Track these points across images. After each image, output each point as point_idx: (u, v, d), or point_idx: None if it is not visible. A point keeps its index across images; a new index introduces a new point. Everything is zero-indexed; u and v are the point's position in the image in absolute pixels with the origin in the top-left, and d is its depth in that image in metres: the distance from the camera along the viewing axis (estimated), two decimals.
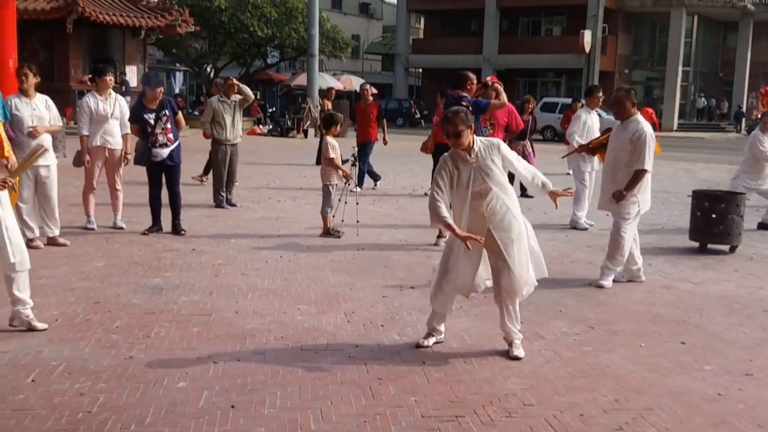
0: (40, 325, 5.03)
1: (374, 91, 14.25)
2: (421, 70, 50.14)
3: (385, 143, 13.27)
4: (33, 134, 7.35)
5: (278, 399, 4.03)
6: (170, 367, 4.43)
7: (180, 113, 8.60)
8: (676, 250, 8.29)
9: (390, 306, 5.84)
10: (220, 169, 10.36)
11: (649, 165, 6.36)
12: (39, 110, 7.47)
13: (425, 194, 12.27)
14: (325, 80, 35.00)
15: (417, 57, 46.06)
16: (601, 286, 6.53)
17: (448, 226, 4.53)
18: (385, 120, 13.35)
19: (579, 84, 39.51)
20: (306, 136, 26.33)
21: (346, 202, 8.75)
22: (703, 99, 45.84)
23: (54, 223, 7.64)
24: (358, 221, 8.88)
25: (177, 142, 8.37)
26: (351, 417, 3.84)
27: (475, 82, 7.98)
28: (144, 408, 3.87)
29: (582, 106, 10.25)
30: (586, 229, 9.41)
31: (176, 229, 8.39)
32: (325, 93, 20.11)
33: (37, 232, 7.52)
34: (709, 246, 8.25)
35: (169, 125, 8.23)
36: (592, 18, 38.10)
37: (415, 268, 7.13)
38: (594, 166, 9.60)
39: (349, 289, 6.30)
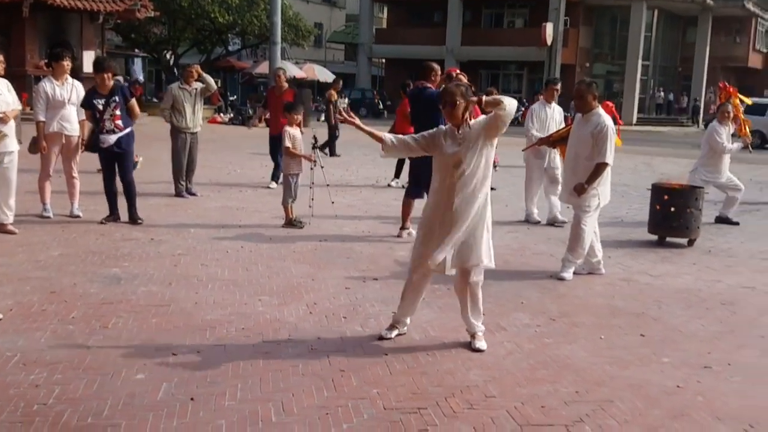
0: None
1: (293, 75, 13.57)
2: (384, 60, 50.05)
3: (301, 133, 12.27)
4: (4, 120, 7.17)
5: (239, 391, 3.97)
6: (128, 358, 4.35)
7: (133, 100, 8.36)
8: (636, 243, 8.39)
9: (353, 297, 5.81)
10: (180, 157, 10.20)
11: (610, 158, 6.42)
12: (4, 95, 7.28)
13: (388, 185, 12.27)
14: (288, 68, 34.71)
15: (380, 47, 45.97)
16: (562, 279, 6.58)
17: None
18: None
19: (541, 76, 39.77)
20: (267, 125, 26.05)
21: (311, 186, 8.62)
22: (662, 93, 46.54)
23: (9, 209, 7.48)
24: (333, 202, 8.92)
25: (127, 130, 8.17)
26: (313, 409, 3.80)
27: (439, 73, 7.98)
28: (101, 400, 3.79)
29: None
30: (538, 222, 9.41)
31: (132, 218, 8.25)
32: (331, 85, 19.38)
33: None
34: (668, 239, 8.36)
35: (118, 112, 8.03)
36: (553, 11, 38.39)
37: (378, 259, 7.11)
38: (548, 162, 9.42)
39: (311, 280, 6.25)
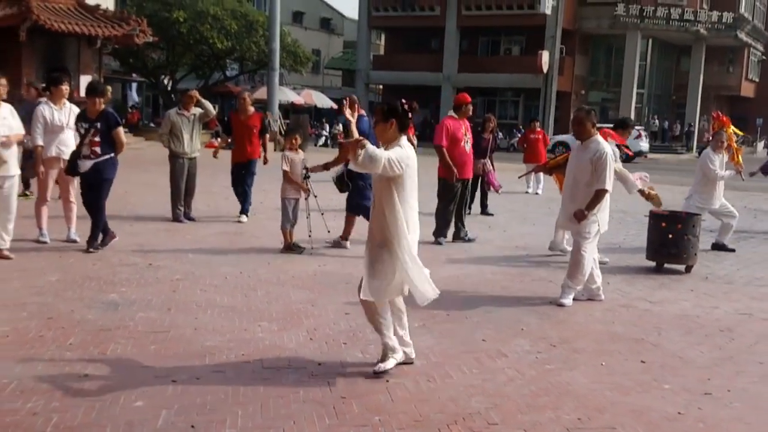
0: None
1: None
2: (381, 87, 50.36)
3: (266, 162, 10.90)
4: (6, 144, 7.18)
5: (239, 419, 3.94)
6: (127, 385, 4.31)
7: (118, 129, 7.97)
8: (634, 270, 8.39)
9: (353, 323, 5.78)
10: (178, 182, 10.21)
11: (609, 185, 6.44)
12: (8, 119, 7.29)
13: None
14: (285, 94, 34.90)
15: (377, 73, 46.28)
16: (561, 305, 6.57)
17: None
18: (267, 135, 11.12)
19: (536, 103, 40.11)
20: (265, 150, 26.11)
21: (308, 216, 8.60)
22: (656, 121, 46.85)
23: (7, 234, 7.46)
24: (329, 231, 8.89)
25: (105, 157, 7.84)
26: None
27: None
28: (100, 428, 3.75)
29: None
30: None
31: (88, 245, 7.95)
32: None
33: None
34: (666, 266, 8.36)
35: (97, 138, 7.77)
36: (549, 39, 38.75)
37: None
38: None
39: (311, 305, 6.23)
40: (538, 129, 16.91)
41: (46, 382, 4.31)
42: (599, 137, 6.67)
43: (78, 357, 4.75)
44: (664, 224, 8.29)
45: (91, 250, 7.93)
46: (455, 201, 9.35)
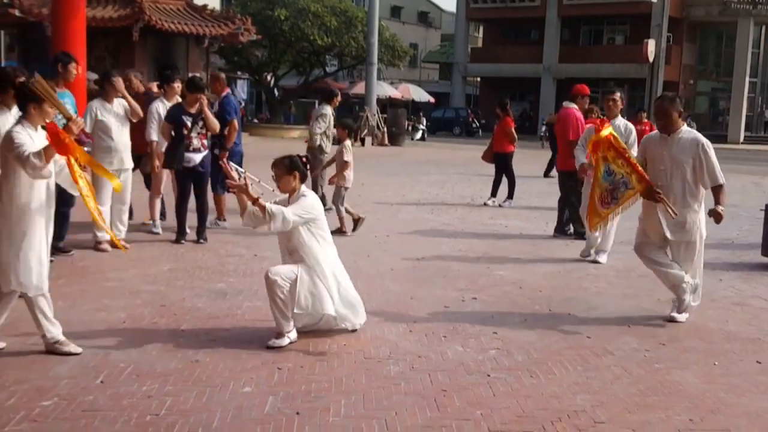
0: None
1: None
2: (479, 79, 49.97)
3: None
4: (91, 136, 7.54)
5: (342, 407, 4.00)
6: (236, 371, 4.45)
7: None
8: (748, 266, 8.01)
9: (452, 317, 5.76)
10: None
11: (723, 177, 5.91)
12: (121, 115, 7.66)
13: (484, 204, 12.17)
14: (383, 89, 35.10)
15: (475, 66, 45.92)
16: (673, 319, 5.85)
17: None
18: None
19: (642, 94, 38.85)
20: (363, 144, 26.44)
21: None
22: None
23: (123, 225, 7.84)
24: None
25: (208, 150, 8.19)
26: (417, 428, 3.78)
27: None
28: (210, 412, 3.88)
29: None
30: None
31: (199, 237, 8.19)
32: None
33: (107, 236, 7.60)
34: None
35: (204, 131, 8.07)
36: (656, 27, 37.46)
37: (476, 278, 7.04)
38: None
39: (410, 298, 6.25)
40: (645, 120, 16.36)
41: (160, 366, 4.50)
42: (686, 126, 5.92)
43: (189, 343, 4.93)
44: None
45: (203, 241, 8.20)
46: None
